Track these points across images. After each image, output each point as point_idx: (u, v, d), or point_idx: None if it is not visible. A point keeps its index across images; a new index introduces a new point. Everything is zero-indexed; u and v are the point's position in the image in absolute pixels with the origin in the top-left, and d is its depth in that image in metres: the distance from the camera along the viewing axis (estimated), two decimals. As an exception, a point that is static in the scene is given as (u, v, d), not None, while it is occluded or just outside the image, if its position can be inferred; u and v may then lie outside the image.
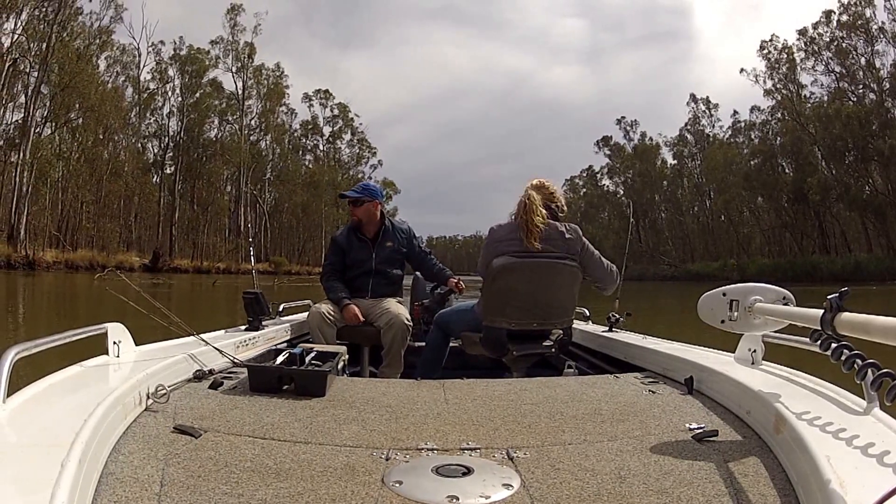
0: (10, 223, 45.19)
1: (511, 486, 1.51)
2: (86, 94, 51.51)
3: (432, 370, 4.03)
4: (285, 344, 3.79)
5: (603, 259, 3.84)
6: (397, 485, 1.51)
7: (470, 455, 1.76)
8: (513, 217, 3.80)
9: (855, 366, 1.49)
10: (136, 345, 2.55)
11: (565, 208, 3.90)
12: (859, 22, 55.42)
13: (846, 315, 1.53)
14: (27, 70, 48.49)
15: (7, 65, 45.45)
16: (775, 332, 2.31)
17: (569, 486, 1.51)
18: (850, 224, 59.51)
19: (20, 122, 48.80)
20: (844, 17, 56.44)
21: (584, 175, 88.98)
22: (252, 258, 5.06)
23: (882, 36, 54.66)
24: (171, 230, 63.09)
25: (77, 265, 40.17)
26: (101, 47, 57.20)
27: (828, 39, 58.00)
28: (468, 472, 1.60)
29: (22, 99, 49.06)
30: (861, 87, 56.39)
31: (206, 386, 2.44)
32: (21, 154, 46.73)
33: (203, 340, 2.89)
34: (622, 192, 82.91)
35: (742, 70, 64.08)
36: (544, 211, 3.72)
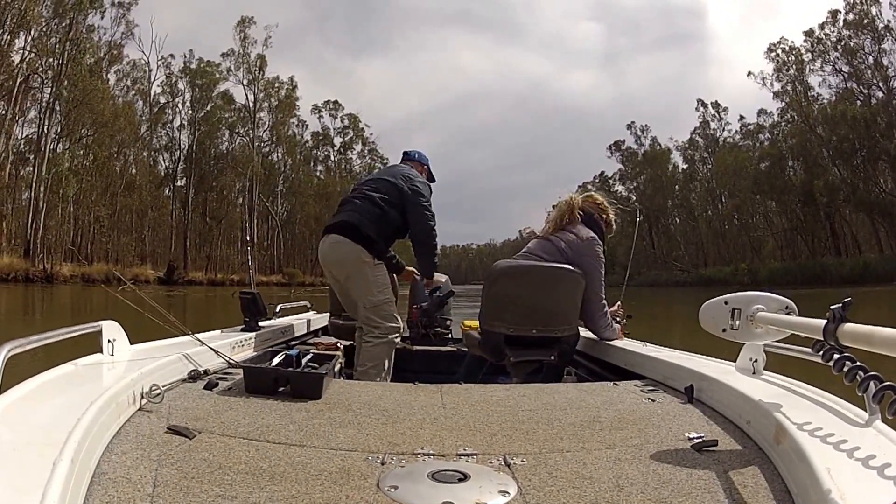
0: (27, 238, 45.81)
1: (508, 492, 1.49)
2: (99, 111, 51.96)
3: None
4: (282, 345, 3.78)
5: (602, 294, 3.83)
6: (393, 489, 1.49)
7: (467, 461, 1.74)
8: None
9: (857, 377, 1.48)
10: (132, 344, 2.53)
11: (613, 225, 4.07)
12: (865, 20, 55.22)
13: (849, 326, 1.51)
14: (40, 86, 48.99)
15: (19, 81, 45.75)
16: (777, 341, 2.29)
17: (566, 494, 1.49)
18: (861, 226, 59.24)
19: (33, 137, 49.71)
20: (850, 17, 56.31)
21: (597, 181, 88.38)
22: (250, 259, 5.05)
23: (888, 34, 54.45)
24: (184, 243, 63.25)
25: (94, 278, 40.47)
26: (112, 62, 57.67)
27: (835, 39, 57.86)
28: (464, 478, 1.58)
29: (32, 114, 49.91)
30: (869, 86, 56.14)
31: (201, 386, 2.42)
32: (36, 170, 47.39)
33: (199, 340, 2.88)
34: (635, 198, 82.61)
35: (749, 73, 64.05)
36: (579, 213, 3.86)
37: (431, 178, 4.45)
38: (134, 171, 60.42)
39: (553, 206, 3.95)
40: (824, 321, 1.59)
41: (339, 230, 3.94)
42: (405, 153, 4.53)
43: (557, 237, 3.75)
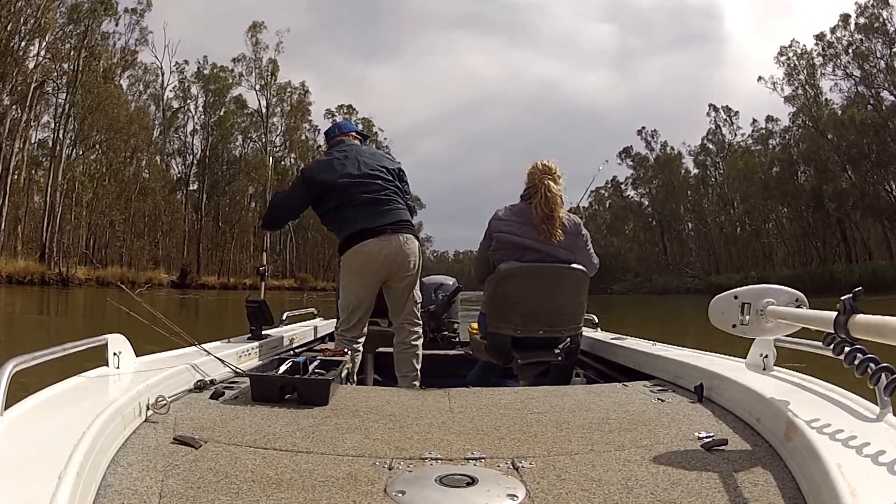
0: (42, 242, 46.43)
1: (516, 496, 1.48)
2: (114, 116, 52.44)
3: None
4: (288, 353, 3.76)
5: (593, 252, 3.86)
6: (400, 495, 1.48)
7: (474, 465, 1.73)
8: (522, 198, 3.79)
9: (868, 370, 1.46)
10: (137, 356, 2.52)
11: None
12: (876, 24, 54.56)
13: (860, 317, 1.49)
14: (54, 92, 49.66)
15: (34, 86, 46.19)
16: (788, 336, 2.27)
17: (575, 497, 1.48)
18: (873, 232, 58.58)
19: (46, 142, 50.50)
20: (862, 20, 55.58)
21: (609, 186, 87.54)
22: (265, 266, 5.04)
23: (900, 38, 54.06)
24: (197, 247, 63.50)
25: (108, 282, 40.93)
26: (126, 68, 58.30)
27: (846, 43, 57.15)
28: (472, 482, 1.57)
29: (45, 119, 50.54)
30: (881, 90, 55.56)
31: (208, 396, 2.42)
32: (51, 175, 47.92)
33: (204, 350, 2.87)
34: (647, 203, 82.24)
35: (760, 78, 63.27)
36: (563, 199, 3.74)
37: (364, 136, 4.42)
38: (147, 175, 60.94)
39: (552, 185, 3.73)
40: (835, 313, 1.57)
41: (404, 229, 3.89)
42: (336, 132, 4.30)
43: (559, 246, 3.67)
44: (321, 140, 72.70)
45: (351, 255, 3.84)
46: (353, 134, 4.25)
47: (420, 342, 4.00)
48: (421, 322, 4.04)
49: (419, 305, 4.03)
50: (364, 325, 3.96)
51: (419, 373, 3.93)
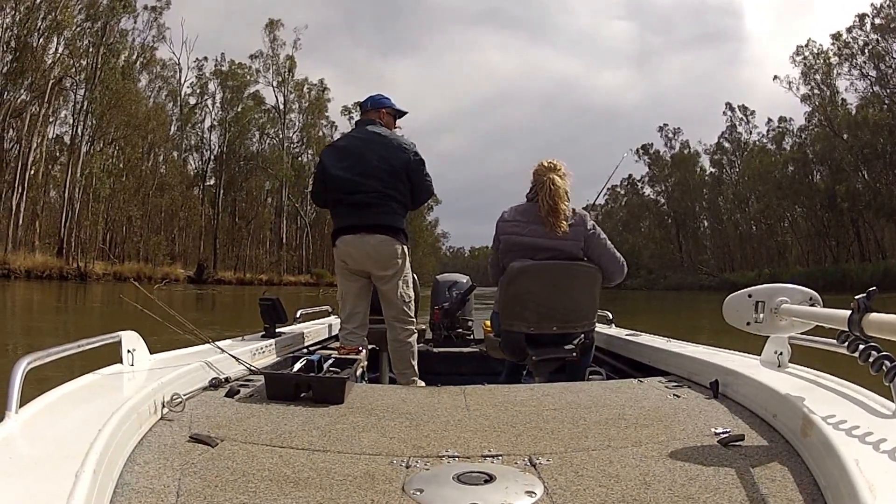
0: (60, 237, 46.90)
1: (534, 493, 1.48)
2: (132, 113, 52.92)
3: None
4: (303, 351, 3.77)
5: (616, 251, 3.79)
6: (418, 493, 1.48)
7: (492, 462, 1.73)
8: (528, 198, 3.78)
9: (883, 367, 1.46)
10: (151, 353, 2.53)
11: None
12: (893, 25, 54.22)
13: (874, 316, 1.49)
14: (73, 88, 50.11)
15: (52, 83, 46.56)
16: (801, 333, 2.26)
17: (592, 493, 1.48)
18: (887, 232, 58.35)
19: (65, 138, 51.24)
20: (878, 21, 55.32)
21: (626, 184, 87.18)
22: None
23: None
24: (214, 243, 63.78)
25: (125, 277, 41.28)
26: (144, 66, 58.77)
27: (862, 43, 56.86)
28: (490, 479, 1.57)
29: (63, 114, 51.08)
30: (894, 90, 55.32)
31: (223, 394, 2.42)
32: (70, 171, 48.41)
33: (219, 348, 2.87)
34: (663, 201, 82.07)
35: (776, 77, 63.16)
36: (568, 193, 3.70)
37: (401, 113, 4.32)
38: (164, 171, 61.49)
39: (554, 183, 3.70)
40: (849, 311, 1.57)
41: (383, 231, 3.90)
42: (369, 105, 4.24)
43: (564, 238, 3.65)
44: (338, 136, 73.00)
45: (336, 249, 4.02)
46: (385, 111, 4.22)
47: (413, 339, 4.01)
48: (413, 320, 4.05)
49: (410, 304, 4.03)
50: (361, 316, 4.02)
51: (416, 369, 3.95)
